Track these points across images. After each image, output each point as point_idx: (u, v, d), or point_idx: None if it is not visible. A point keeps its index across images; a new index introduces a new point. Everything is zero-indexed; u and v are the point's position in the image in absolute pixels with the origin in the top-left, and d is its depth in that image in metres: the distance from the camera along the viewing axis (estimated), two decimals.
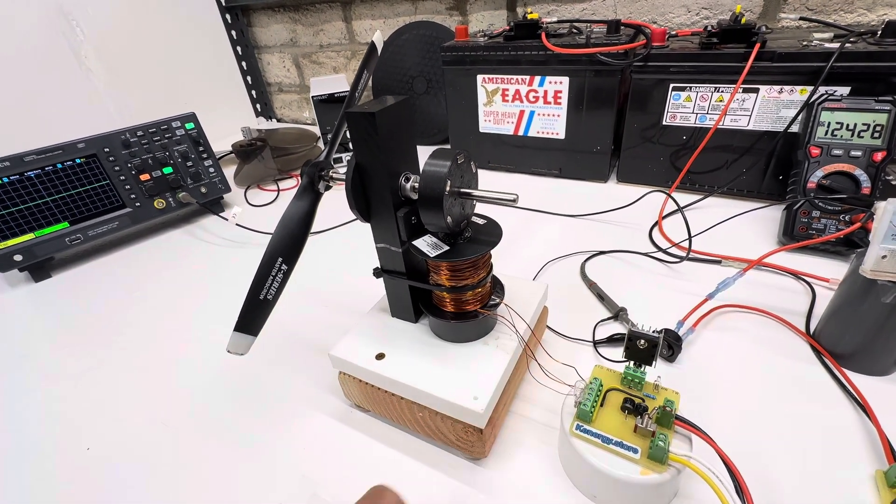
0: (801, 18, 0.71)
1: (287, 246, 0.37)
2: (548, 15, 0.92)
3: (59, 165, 0.70)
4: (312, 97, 0.95)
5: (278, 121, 1.49)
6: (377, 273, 0.41)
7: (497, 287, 0.41)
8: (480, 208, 0.39)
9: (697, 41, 0.71)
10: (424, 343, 0.40)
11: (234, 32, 1.32)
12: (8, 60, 0.89)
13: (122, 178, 0.76)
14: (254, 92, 1.43)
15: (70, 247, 0.73)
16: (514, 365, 0.39)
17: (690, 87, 0.69)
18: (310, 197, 0.38)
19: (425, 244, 0.35)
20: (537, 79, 0.78)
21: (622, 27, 0.74)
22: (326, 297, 0.60)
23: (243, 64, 1.37)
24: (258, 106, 1.46)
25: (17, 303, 0.68)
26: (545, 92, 0.79)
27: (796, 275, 0.55)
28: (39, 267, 0.72)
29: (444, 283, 0.37)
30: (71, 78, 0.99)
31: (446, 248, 0.35)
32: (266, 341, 0.42)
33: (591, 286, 0.56)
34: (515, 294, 0.43)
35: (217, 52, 1.30)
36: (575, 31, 0.79)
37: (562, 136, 0.82)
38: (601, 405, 0.35)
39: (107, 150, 0.74)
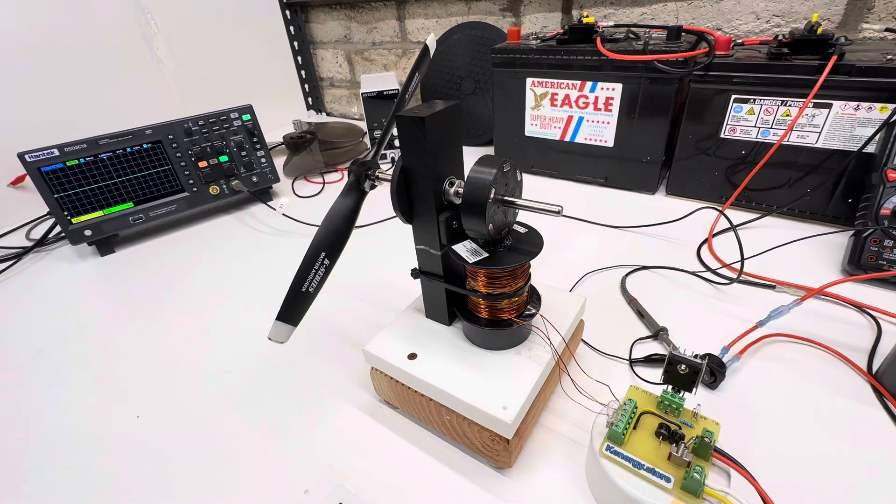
0: (887, 30, 0.65)
1: (331, 242, 0.38)
2: (604, 18, 0.90)
3: (129, 150, 0.76)
4: (362, 94, 0.97)
5: (328, 115, 1.53)
6: (415, 274, 0.41)
7: (534, 297, 0.41)
8: (523, 216, 0.38)
9: (766, 51, 0.67)
10: (457, 347, 0.40)
11: (292, 28, 1.37)
12: (89, 49, 0.96)
13: (183, 164, 0.81)
14: (306, 86, 1.48)
15: (133, 225, 0.79)
16: (547, 377, 0.38)
17: (754, 100, 0.65)
18: (355, 195, 0.38)
19: (465, 249, 0.35)
20: (588, 84, 0.76)
21: (683, 33, 0.71)
22: (364, 292, 0.61)
23: (299, 58, 1.42)
24: (309, 100, 1.51)
25: (85, 274, 0.74)
26: (596, 98, 0.77)
27: (860, 307, 0.50)
28: (105, 242, 0.78)
29: (480, 290, 0.37)
30: (143, 67, 1.06)
31: (485, 254, 0.35)
32: (304, 331, 0.44)
33: (631, 302, 0.55)
34: (552, 305, 0.42)
35: (275, 47, 1.35)
36: (632, 36, 0.77)
37: (610, 143, 0.80)
38: (634, 428, 0.34)
39: (171, 137, 0.79)
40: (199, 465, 0.40)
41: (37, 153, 0.69)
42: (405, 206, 0.37)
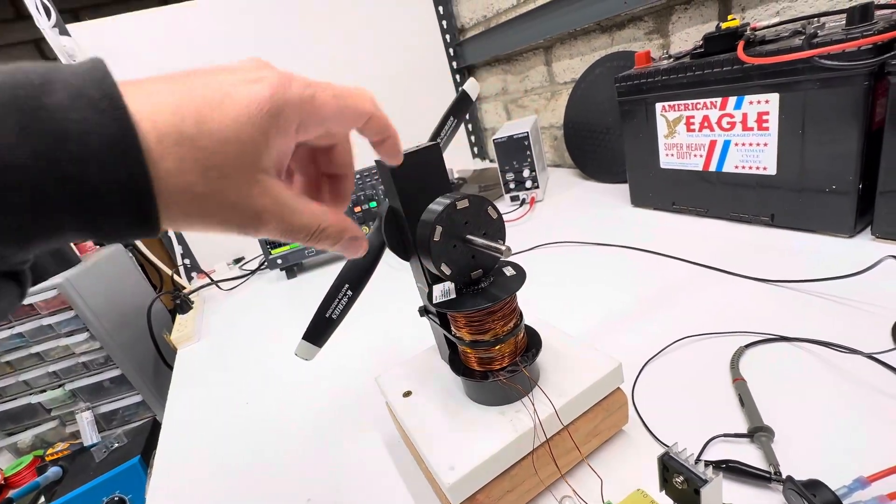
0: None
1: (354, 277, 0.42)
2: (777, 15, 0.71)
3: None
4: (493, 140, 1.01)
5: (490, 161, 1.64)
6: (421, 312, 0.41)
7: (530, 349, 0.35)
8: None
9: None
10: (449, 394, 0.38)
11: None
12: None
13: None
14: (473, 137, 1.63)
15: (308, 257, 1.02)
16: (530, 449, 0.32)
17: None
18: (381, 236, 0.42)
19: (439, 290, 0.34)
20: (732, 100, 0.61)
21: (876, 10, 0.50)
22: None
23: (467, 115, 1.59)
24: (475, 149, 1.65)
25: (278, 292, 0.99)
26: (744, 116, 0.61)
27: None
28: (291, 269, 1.03)
29: (455, 333, 0.35)
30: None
31: (453, 296, 0.33)
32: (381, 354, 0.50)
33: (736, 382, 0.40)
34: (566, 364, 0.36)
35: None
36: (800, 31, 0.58)
37: (772, 170, 0.61)
38: None
39: None
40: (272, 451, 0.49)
41: None
42: (398, 243, 0.38)
